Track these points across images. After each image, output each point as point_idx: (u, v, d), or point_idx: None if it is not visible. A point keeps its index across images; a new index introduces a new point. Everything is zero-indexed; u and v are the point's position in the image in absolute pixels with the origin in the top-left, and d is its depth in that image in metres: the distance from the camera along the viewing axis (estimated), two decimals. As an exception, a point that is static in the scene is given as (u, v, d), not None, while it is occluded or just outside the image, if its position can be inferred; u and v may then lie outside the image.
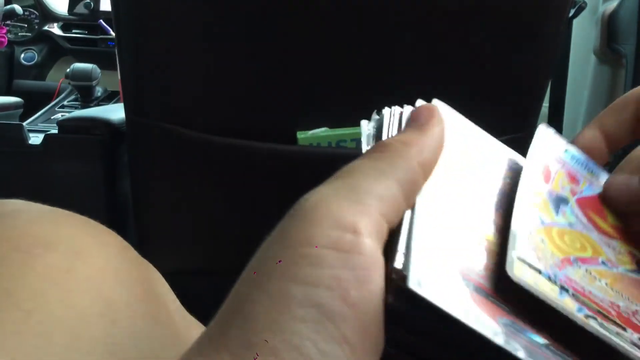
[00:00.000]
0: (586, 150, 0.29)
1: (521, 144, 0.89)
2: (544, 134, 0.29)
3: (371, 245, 0.19)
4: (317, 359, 0.17)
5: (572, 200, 0.27)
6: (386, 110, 0.26)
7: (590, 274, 0.24)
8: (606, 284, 0.24)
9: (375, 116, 0.26)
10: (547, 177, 0.27)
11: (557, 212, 0.26)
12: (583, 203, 0.27)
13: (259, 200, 0.81)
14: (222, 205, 0.83)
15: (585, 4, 1.01)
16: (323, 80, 0.75)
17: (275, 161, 0.77)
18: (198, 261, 0.89)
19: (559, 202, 0.26)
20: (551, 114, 1.07)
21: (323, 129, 0.76)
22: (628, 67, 0.94)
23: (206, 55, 0.74)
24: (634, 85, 0.93)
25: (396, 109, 0.26)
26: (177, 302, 0.38)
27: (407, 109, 0.26)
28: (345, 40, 0.72)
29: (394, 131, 0.25)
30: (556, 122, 1.06)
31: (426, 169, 0.22)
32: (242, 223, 0.83)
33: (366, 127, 0.26)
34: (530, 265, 0.22)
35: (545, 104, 0.93)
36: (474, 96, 0.78)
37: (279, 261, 0.19)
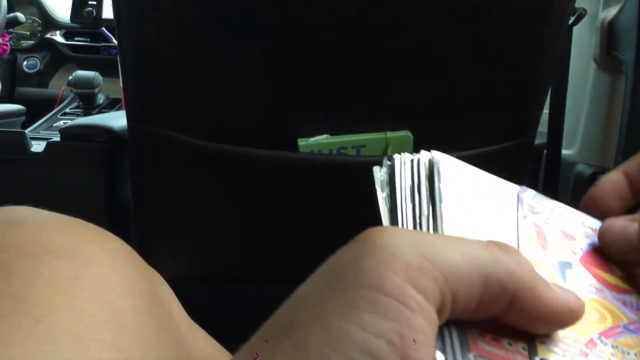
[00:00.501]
0: (610, 193, 0.28)
1: (521, 150, 0.90)
2: (526, 196, 0.28)
3: (432, 312, 0.19)
4: None
5: (576, 261, 0.26)
6: (397, 157, 0.26)
7: (617, 348, 0.23)
8: (636, 354, 0.23)
9: (386, 162, 0.26)
10: (544, 242, 0.26)
11: (565, 280, 0.25)
12: (586, 261, 0.26)
13: (259, 206, 0.81)
14: (222, 211, 0.83)
15: (585, 11, 1.01)
16: (324, 88, 0.75)
17: (276, 168, 0.77)
18: (199, 267, 0.89)
19: (564, 267, 0.25)
20: (551, 120, 1.07)
21: (324, 136, 0.76)
22: (628, 74, 0.95)
23: (208, 63, 0.74)
24: (634, 93, 0.94)
25: (406, 157, 0.26)
26: (181, 308, 0.39)
27: (418, 157, 0.26)
28: (346, 48, 0.73)
29: (406, 179, 0.25)
30: (556, 129, 1.07)
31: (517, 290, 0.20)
32: (243, 230, 0.83)
33: (379, 174, 0.25)
34: None
35: (545, 110, 0.93)
36: (474, 104, 0.78)
37: (347, 299, 0.18)
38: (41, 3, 2.28)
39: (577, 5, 1.00)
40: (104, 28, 2.15)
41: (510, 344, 0.21)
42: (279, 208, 0.81)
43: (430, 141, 0.75)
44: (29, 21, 2.26)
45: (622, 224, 0.26)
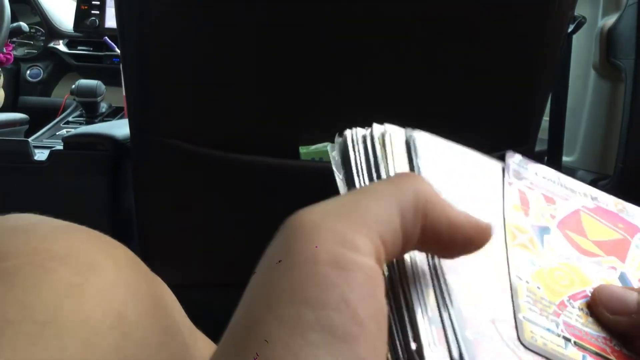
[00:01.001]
0: None
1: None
2: (512, 162, 0.29)
3: (370, 263, 0.19)
4: None
5: (554, 226, 0.28)
6: (348, 133, 0.26)
7: (582, 310, 0.25)
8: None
9: (337, 139, 0.26)
10: (526, 208, 0.27)
11: (542, 244, 0.27)
12: (563, 225, 0.28)
13: (261, 214, 0.81)
14: (224, 219, 0.83)
15: (585, 19, 1.02)
16: (325, 95, 0.76)
17: (278, 175, 0.78)
18: (201, 275, 0.89)
19: (542, 233, 0.27)
20: (552, 127, 1.07)
21: (325, 143, 0.77)
22: (627, 81, 0.95)
23: (210, 71, 0.75)
24: (633, 100, 0.94)
25: (358, 131, 0.26)
26: (185, 315, 0.39)
27: (371, 130, 0.26)
28: (348, 56, 0.73)
29: (361, 157, 0.25)
30: (557, 136, 1.07)
31: (429, 206, 0.22)
32: (245, 237, 0.83)
33: (332, 153, 0.26)
34: (536, 324, 0.23)
35: (546, 117, 0.93)
36: (475, 111, 0.79)
37: (287, 282, 0.19)
38: (45, 13, 2.29)
39: (576, 13, 1.01)
40: (106, 37, 2.16)
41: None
42: (280, 215, 0.81)
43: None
44: (33, 30, 2.27)
45: (622, 291, 0.26)
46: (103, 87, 1.85)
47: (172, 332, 0.35)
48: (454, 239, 0.22)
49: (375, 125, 0.26)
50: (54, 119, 1.94)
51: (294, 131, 0.77)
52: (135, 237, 0.90)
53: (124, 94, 0.83)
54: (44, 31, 2.31)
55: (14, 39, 2.21)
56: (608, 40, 1.01)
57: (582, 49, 1.08)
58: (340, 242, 0.19)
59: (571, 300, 0.25)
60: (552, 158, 1.08)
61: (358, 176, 0.25)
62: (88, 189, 1.16)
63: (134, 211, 0.87)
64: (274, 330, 0.18)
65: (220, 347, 0.19)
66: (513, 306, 0.23)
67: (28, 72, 2.34)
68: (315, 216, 0.20)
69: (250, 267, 0.21)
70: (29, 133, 1.87)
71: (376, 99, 0.76)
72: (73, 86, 1.86)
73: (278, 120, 0.77)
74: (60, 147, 1.20)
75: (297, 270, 0.19)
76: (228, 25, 0.72)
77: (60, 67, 2.34)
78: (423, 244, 0.22)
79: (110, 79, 1.97)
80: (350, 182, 0.25)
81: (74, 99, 1.94)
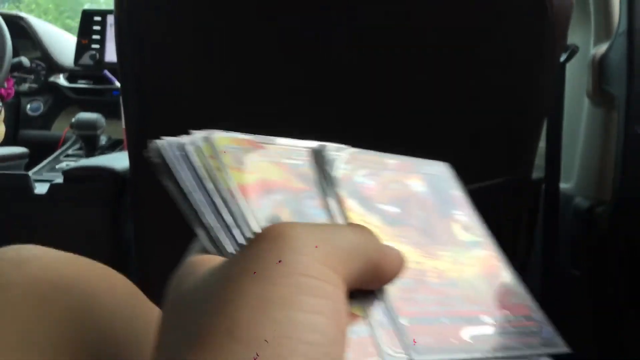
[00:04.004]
0: None
1: (519, 185, 0.90)
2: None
3: (344, 286, 0.22)
4: None
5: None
6: (160, 144, 0.28)
7: None
8: None
9: (153, 145, 0.28)
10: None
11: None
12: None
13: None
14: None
15: (577, 48, 1.04)
16: (326, 107, 0.76)
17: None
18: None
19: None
20: (548, 154, 1.08)
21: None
22: (620, 109, 0.96)
23: (210, 103, 0.76)
24: (626, 127, 0.95)
25: (172, 142, 0.28)
26: None
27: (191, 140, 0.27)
28: (341, 74, 0.74)
29: (185, 170, 0.27)
30: (553, 163, 1.08)
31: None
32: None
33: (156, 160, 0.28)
34: None
35: (542, 144, 0.94)
36: (469, 138, 0.80)
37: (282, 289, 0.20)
38: (45, 48, 2.32)
39: (569, 41, 1.02)
40: (106, 71, 2.19)
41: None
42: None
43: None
44: (33, 65, 2.30)
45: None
46: (103, 120, 1.86)
47: None
48: (391, 277, 0.25)
49: (195, 134, 0.28)
50: (54, 152, 1.95)
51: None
52: (134, 268, 0.90)
53: (123, 126, 0.84)
54: (44, 65, 2.34)
55: (15, 74, 2.23)
56: (600, 68, 1.03)
57: (576, 77, 1.10)
58: (326, 262, 0.21)
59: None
60: (549, 185, 1.09)
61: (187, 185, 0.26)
62: (88, 221, 1.16)
63: (133, 242, 0.88)
64: (266, 331, 0.19)
65: (197, 350, 0.19)
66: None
67: (28, 106, 2.35)
68: (302, 234, 0.22)
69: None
70: (29, 166, 1.88)
71: (372, 121, 0.77)
72: (73, 120, 1.87)
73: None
74: (60, 180, 1.21)
75: (293, 279, 0.20)
76: (228, 56, 0.73)
77: (61, 101, 2.36)
78: (370, 285, 0.25)
79: (110, 112, 1.98)
80: (180, 191, 0.26)
81: (74, 132, 1.95)
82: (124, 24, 0.75)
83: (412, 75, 0.75)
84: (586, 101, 1.09)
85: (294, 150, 0.30)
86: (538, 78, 0.79)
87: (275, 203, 0.27)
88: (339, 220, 0.28)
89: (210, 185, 0.26)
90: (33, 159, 1.92)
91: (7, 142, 2.12)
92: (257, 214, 0.26)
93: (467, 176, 0.83)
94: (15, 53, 1.96)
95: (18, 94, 2.32)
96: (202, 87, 0.75)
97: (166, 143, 0.27)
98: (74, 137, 2.04)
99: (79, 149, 1.97)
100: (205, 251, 0.26)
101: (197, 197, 0.26)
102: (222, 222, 0.25)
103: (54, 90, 2.34)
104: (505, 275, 0.32)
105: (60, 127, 2.30)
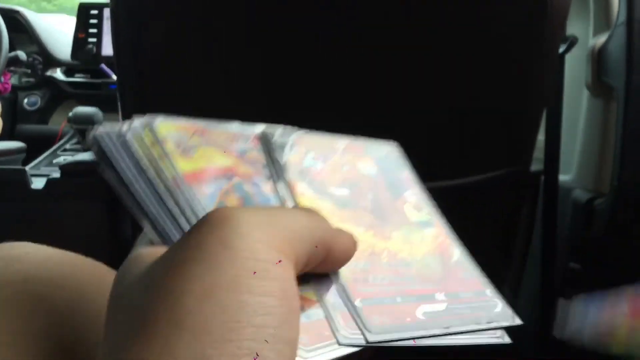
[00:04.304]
0: None
1: (518, 177, 0.90)
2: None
3: (293, 268, 0.22)
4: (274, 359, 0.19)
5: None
6: (99, 135, 0.26)
7: None
8: None
9: (93, 134, 0.27)
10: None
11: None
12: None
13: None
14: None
15: (576, 39, 1.03)
16: (325, 103, 0.76)
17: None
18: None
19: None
20: (547, 146, 1.08)
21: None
22: (619, 100, 0.96)
23: (208, 97, 0.75)
24: (625, 119, 0.95)
25: (111, 131, 0.27)
26: None
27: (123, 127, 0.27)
28: (341, 66, 0.74)
29: (124, 156, 0.26)
30: (552, 155, 1.07)
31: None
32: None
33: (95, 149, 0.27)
34: None
35: (541, 136, 0.94)
36: (468, 130, 0.79)
37: (231, 273, 0.20)
38: (42, 41, 2.31)
39: (568, 32, 1.02)
40: (103, 65, 2.18)
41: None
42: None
43: (424, 169, 0.76)
44: (30, 59, 2.29)
45: None
46: (100, 114, 1.86)
47: None
48: (344, 260, 0.26)
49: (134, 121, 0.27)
50: (51, 147, 1.95)
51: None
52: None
53: (120, 119, 0.83)
54: (41, 60, 2.33)
55: (12, 68, 2.22)
56: (599, 60, 1.03)
57: (575, 68, 1.09)
58: (274, 245, 0.21)
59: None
60: (548, 177, 1.09)
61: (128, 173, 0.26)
62: (85, 215, 1.16)
63: (131, 237, 0.87)
64: (217, 317, 0.19)
65: (142, 341, 0.19)
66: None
67: (25, 100, 2.35)
68: (248, 218, 0.22)
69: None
70: (26, 161, 1.87)
71: (366, 118, 0.77)
72: (70, 114, 1.87)
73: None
74: (58, 175, 1.21)
75: (240, 263, 0.20)
76: (226, 51, 0.73)
77: (58, 95, 2.35)
78: (321, 267, 0.25)
79: (107, 106, 1.98)
80: (120, 180, 0.26)
81: (72, 127, 1.95)
82: (120, 17, 0.74)
83: (412, 65, 0.75)
84: (585, 93, 1.09)
85: (241, 135, 0.29)
86: (537, 69, 0.79)
87: (222, 190, 0.26)
88: (290, 204, 0.28)
89: (152, 174, 0.25)
90: (30, 154, 1.92)
91: (4, 136, 2.12)
92: (204, 201, 0.25)
93: (467, 168, 0.83)
94: (12, 47, 1.95)
95: (15, 89, 2.31)
96: (199, 81, 0.75)
97: (104, 132, 0.26)
98: (71, 132, 2.04)
99: (77, 143, 1.96)
100: (152, 244, 0.25)
101: (140, 187, 0.25)
102: (167, 211, 0.25)
103: (51, 84, 2.33)
104: (456, 252, 0.33)
105: (57, 122, 2.30)
